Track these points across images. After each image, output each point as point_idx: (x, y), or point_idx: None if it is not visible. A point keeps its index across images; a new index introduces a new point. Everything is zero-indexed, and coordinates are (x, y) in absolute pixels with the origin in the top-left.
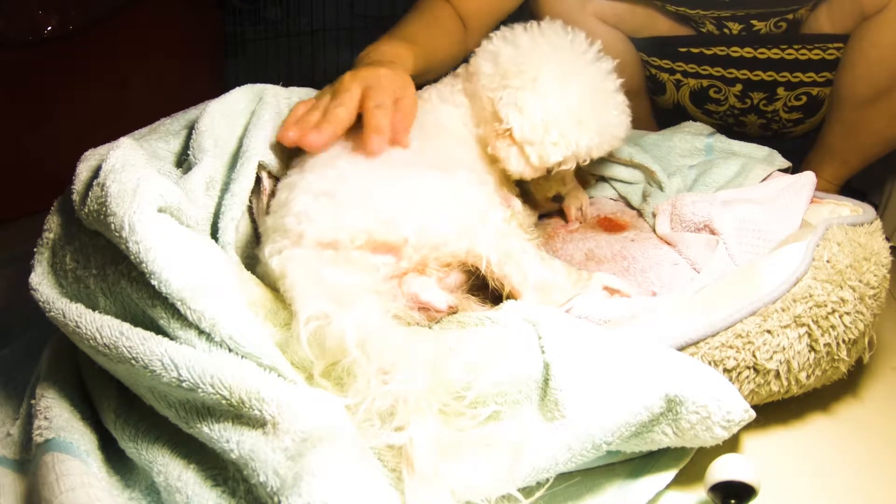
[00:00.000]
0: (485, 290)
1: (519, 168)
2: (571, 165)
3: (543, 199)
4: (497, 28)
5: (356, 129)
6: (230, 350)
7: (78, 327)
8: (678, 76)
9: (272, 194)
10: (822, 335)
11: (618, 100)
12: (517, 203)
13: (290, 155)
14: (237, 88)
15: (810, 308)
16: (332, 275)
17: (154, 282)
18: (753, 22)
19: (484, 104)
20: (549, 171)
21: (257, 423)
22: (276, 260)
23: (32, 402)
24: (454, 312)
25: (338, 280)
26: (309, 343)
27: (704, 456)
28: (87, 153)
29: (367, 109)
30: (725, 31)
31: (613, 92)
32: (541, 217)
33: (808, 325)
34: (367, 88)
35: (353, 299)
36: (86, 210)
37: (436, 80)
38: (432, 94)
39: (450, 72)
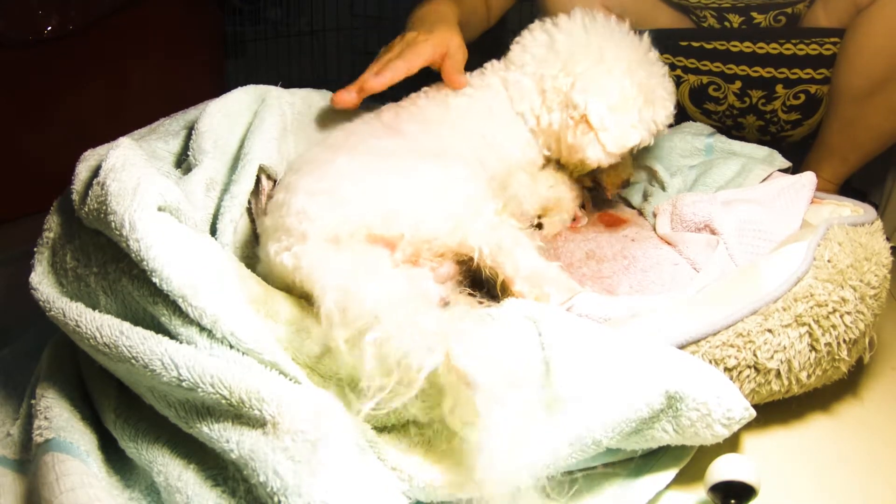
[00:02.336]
0: (482, 287)
1: (596, 156)
2: (650, 142)
3: (613, 185)
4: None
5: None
6: (231, 346)
7: (78, 326)
8: (678, 72)
9: (270, 195)
10: (823, 335)
11: (664, 70)
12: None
13: (291, 156)
14: (238, 89)
15: (811, 308)
16: (346, 259)
17: (155, 279)
18: (753, 14)
19: (546, 90)
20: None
21: (257, 422)
22: (287, 256)
23: (32, 402)
24: (446, 304)
25: (352, 261)
26: (336, 307)
27: (704, 456)
28: (86, 153)
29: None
30: (726, 23)
31: (658, 63)
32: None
33: (809, 325)
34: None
35: (370, 273)
36: (86, 209)
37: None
38: (472, 79)
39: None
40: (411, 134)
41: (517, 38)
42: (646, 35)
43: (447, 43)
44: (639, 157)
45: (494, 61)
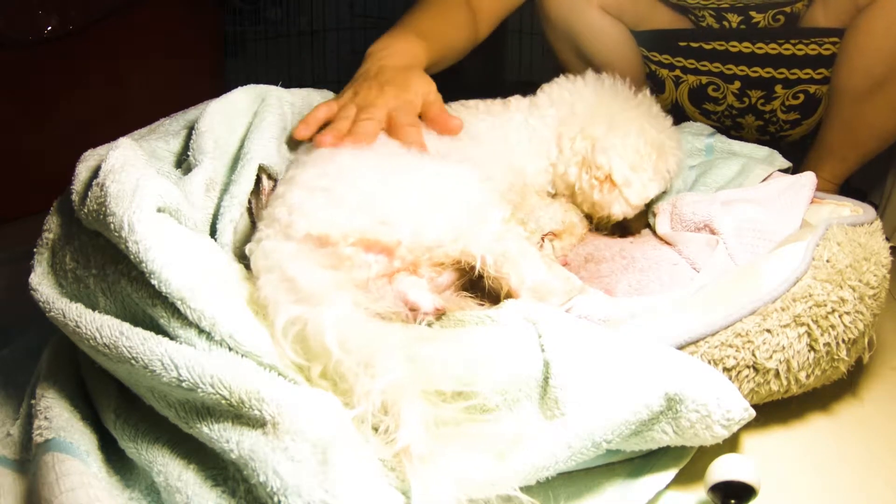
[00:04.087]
0: (482, 289)
1: (622, 210)
2: (666, 189)
3: (638, 230)
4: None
5: None
6: (230, 349)
7: (78, 327)
8: (677, 72)
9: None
10: (822, 335)
11: (669, 122)
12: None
13: (290, 157)
14: (238, 88)
15: (810, 308)
16: (303, 272)
17: (154, 281)
18: (752, 14)
19: (563, 149)
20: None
21: (257, 423)
22: (253, 259)
23: (32, 402)
24: (441, 315)
25: (309, 277)
26: (294, 350)
27: (704, 456)
28: (86, 153)
29: (400, 127)
30: (725, 23)
31: (662, 115)
32: None
33: (808, 325)
34: (394, 110)
35: (325, 297)
36: (85, 210)
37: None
38: (493, 108)
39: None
40: (427, 139)
41: (544, 87)
42: (647, 91)
43: (428, 92)
44: None
45: (519, 97)
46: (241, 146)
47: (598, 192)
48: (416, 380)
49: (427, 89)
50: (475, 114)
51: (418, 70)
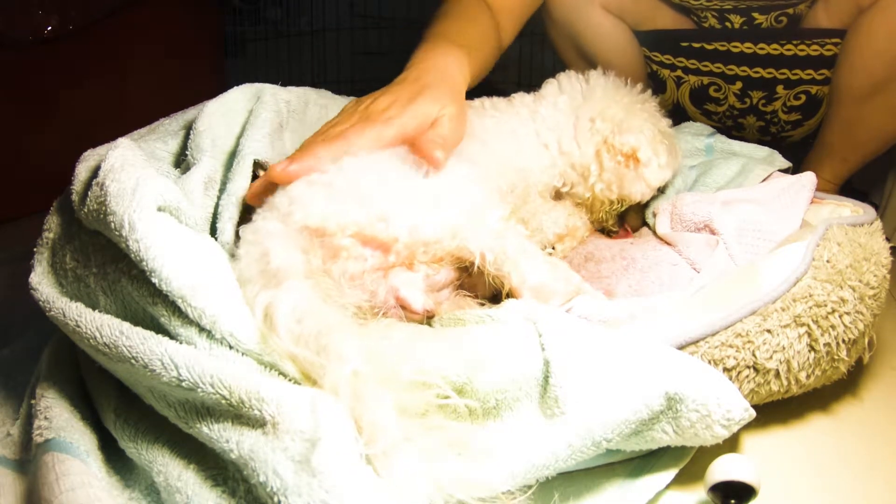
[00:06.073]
0: (482, 289)
1: (641, 191)
2: (672, 179)
3: (634, 227)
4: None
5: None
6: (231, 347)
7: (78, 326)
8: (679, 72)
9: None
10: (822, 335)
11: (669, 122)
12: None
13: (287, 153)
14: (235, 88)
15: (810, 308)
16: (278, 248)
17: (154, 280)
18: (755, 15)
19: (580, 130)
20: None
21: (257, 423)
22: (241, 235)
23: (32, 402)
24: (431, 317)
25: (281, 255)
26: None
27: (704, 456)
28: (85, 153)
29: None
30: (727, 24)
31: (664, 117)
32: None
33: (808, 325)
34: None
35: (286, 279)
36: (85, 210)
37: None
38: (498, 104)
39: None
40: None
41: (550, 80)
42: (649, 91)
43: (435, 113)
44: None
45: (523, 93)
46: (237, 144)
47: (624, 168)
48: (376, 369)
49: (446, 105)
50: (480, 112)
51: (451, 89)
